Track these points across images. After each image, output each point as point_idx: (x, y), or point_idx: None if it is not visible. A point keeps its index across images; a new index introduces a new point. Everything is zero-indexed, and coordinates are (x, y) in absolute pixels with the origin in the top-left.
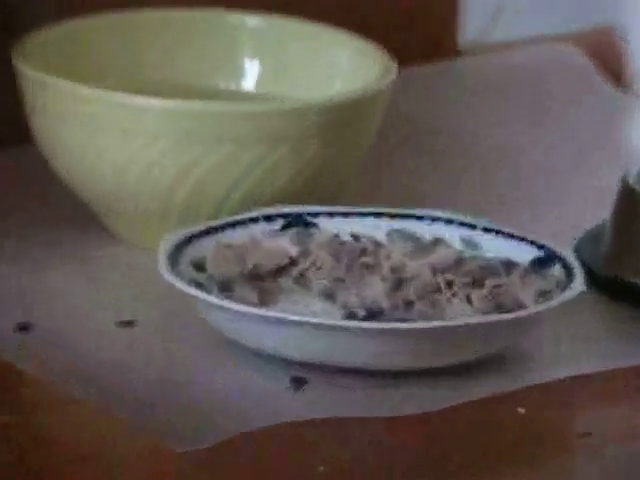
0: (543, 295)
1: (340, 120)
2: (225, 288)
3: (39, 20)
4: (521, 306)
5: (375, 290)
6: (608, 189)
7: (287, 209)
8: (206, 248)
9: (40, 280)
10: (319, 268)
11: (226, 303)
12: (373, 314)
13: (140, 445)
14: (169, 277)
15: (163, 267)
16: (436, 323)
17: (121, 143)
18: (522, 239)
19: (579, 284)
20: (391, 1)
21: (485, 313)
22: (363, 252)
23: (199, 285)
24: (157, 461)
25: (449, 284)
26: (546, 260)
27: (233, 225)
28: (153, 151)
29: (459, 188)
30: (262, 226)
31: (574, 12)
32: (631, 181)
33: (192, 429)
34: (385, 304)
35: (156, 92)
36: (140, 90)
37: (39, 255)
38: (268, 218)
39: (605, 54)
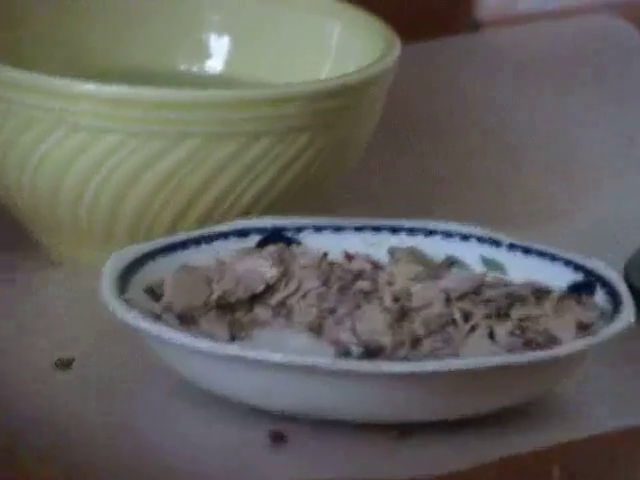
0: (584, 328)
1: (331, 110)
2: (187, 321)
3: None
4: (556, 342)
5: (374, 323)
6: None
7: (264, 222)
8: (163, 271)
9: None
10: (304, 296)
11: (188, 340)
12: (371, 352)
13: None
14: (115, 307)
15: (108, 294)
16: (450, 364)
17: (59, 139)
18: (557, 258)
19: (628, 314)
20: None
21: (511, 351)
22: (359, 276)
23: (154, 317)
24: None
25: (466, 316)
26: (587, 285)
27: (197, 242)
28: (98, 149)
29: (477, 190)
30: (233, 243)
31: None
32: None
33: None
34: (386, 340)
35: (99, 78)
36: (86, 76)
37: None
38: (241, 233)
39: None
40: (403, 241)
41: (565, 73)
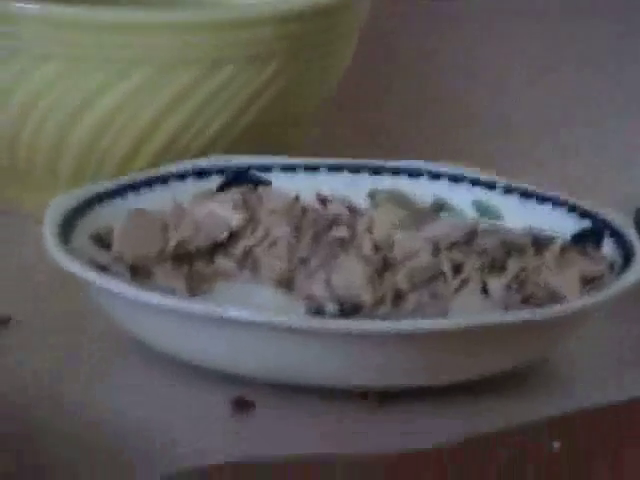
0: (589, 283)
1: (302, 34)
2: (140, 273)
3: None
4: (558, 299)
5: (352, 276)
6: None
7: (227, 161)
8: (112, 216)
9: None
10: (272, 244)
11: (140, 294)
12: (349, 309)
13: None
14: (58, 256)
15: (50, 242)
16: (438, 323)
17: None
18: (559, 204)
19: None
20: None
21: (507, 308)
22: (334, 222)
23: (102, 268)
24: None
25: (457, 268)
26: (594, 234)
27: (151, 184)
28: (39, 76)
29: (468, 132)
30: (192, 185)
31: None
32: None
33: (89, 467)
34: (366, 296)
35: None
36: None
37: None
38: (200, 174)
39: None
40: (385, 183)
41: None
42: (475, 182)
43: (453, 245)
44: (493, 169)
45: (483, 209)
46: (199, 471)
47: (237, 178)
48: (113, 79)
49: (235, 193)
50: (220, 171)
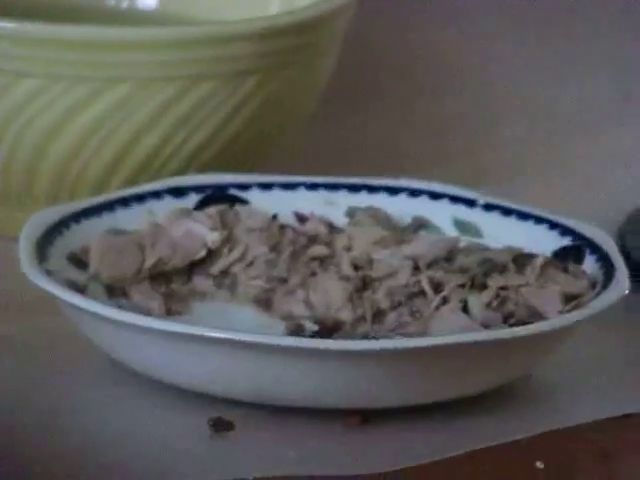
0: (570, 300)
1: (282, 51)
2: (116, 292)
3: None
4: (539, 317)
5: (331, 295)
6: None
7: (204, 178)
8: (89, 236)
9: None
10: (250, 263)
11: (117, 313)
12: (328, 329)
13: None
14: (34, 277)
15: (26, 263)
16: (418, 341)
17: None
18: (541, 220)
19: (622, 284)
20: None
21: (488, 327)
22: (312, 240)
23: (79, 288)
24: None
25: (437, 286)
26: (575, 250)
27: (127, 202)
28: (14, 95)
29: (449, 147)
30: (169, 203)
31: None
32: None
33: None
34: (345, 314)
35: (25, 16)
36: (6, 14)
37: None
38: (177, 192)
39: None
40: (364, 200)
41: (547, 13)
42: (455, 199)
43: (433, 263)
44: (474, 185)
45: (463, 226)
46: None
47: (215, 196)
48: (90, 97)
49: (212, 211)
50: (197, 189)
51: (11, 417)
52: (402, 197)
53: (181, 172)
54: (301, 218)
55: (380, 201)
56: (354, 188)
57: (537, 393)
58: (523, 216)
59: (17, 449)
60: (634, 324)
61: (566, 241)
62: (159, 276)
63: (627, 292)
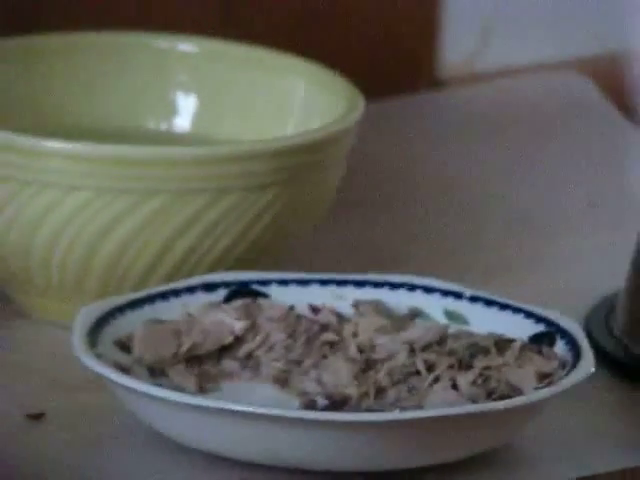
0: (544, 378)
1: (295, 166)
2: (156, 373)
3: None
4: (518, 392)
5: (339, 374)
6: (624, 247)
7: (231, 276)
8: (133, 324)
9: None
10: (270, 348)
11: (158, 391)
12: (337, 403)
13: None
14: (86, 360)
15: (79, 347)
16: (414, 414)
17: (30, 197)
18: (518, 310)
19: (588, 364)
20: (359, 23)
21: (474, 401)
22: (324, 328)
23: (124, 370)
24: None
25: (430, 366)
26: (548, 336)
27: (165, 296)
28: (67, 206)
29: (440, 248)
30: (201, 297)
31: (572, 36)
32: None
33: None
34: (352, 391)
35: (68, 136)
36: (48, 134)
37: None
38: (208, 287)
39: (608, 82)
40: (368, 294)
41: (526, 132)
42: (445, 293)
43: (426, 347)
44: (461, 281)
45: (452, 316)
46: None
47: (240, 291)
48: (130, 208)
49: (238, 303)
50: (225, 285)
51: None
52: (400, 291)
53: (211, 271)
54: (314, 309)
55: (382, 294)
56: (359, 283)
57: (516, 459)
58: (503, 307)
59: None
60: (599, 398)
61: (540, 328)
62: (193, 359)
63: (593, 371)
